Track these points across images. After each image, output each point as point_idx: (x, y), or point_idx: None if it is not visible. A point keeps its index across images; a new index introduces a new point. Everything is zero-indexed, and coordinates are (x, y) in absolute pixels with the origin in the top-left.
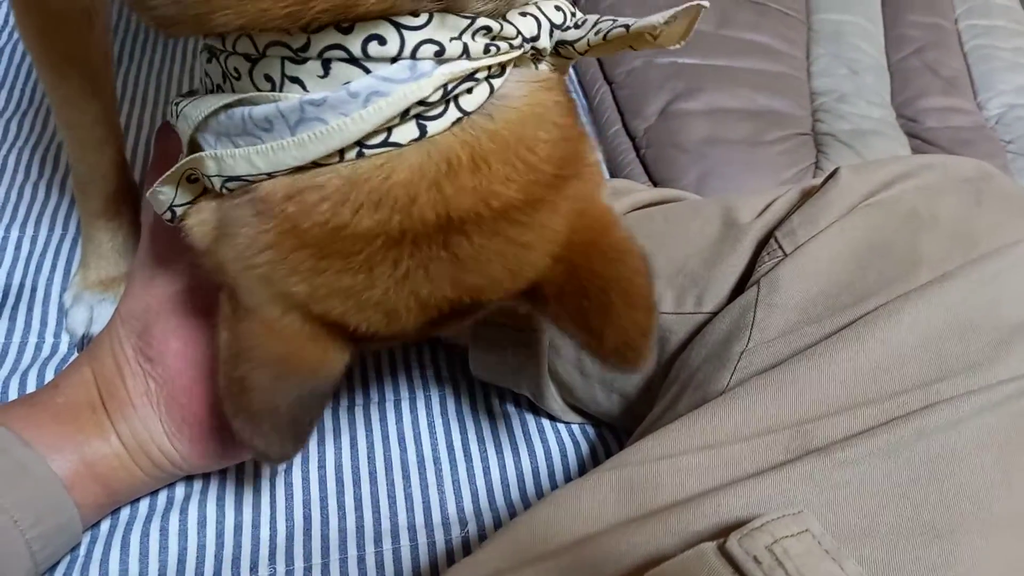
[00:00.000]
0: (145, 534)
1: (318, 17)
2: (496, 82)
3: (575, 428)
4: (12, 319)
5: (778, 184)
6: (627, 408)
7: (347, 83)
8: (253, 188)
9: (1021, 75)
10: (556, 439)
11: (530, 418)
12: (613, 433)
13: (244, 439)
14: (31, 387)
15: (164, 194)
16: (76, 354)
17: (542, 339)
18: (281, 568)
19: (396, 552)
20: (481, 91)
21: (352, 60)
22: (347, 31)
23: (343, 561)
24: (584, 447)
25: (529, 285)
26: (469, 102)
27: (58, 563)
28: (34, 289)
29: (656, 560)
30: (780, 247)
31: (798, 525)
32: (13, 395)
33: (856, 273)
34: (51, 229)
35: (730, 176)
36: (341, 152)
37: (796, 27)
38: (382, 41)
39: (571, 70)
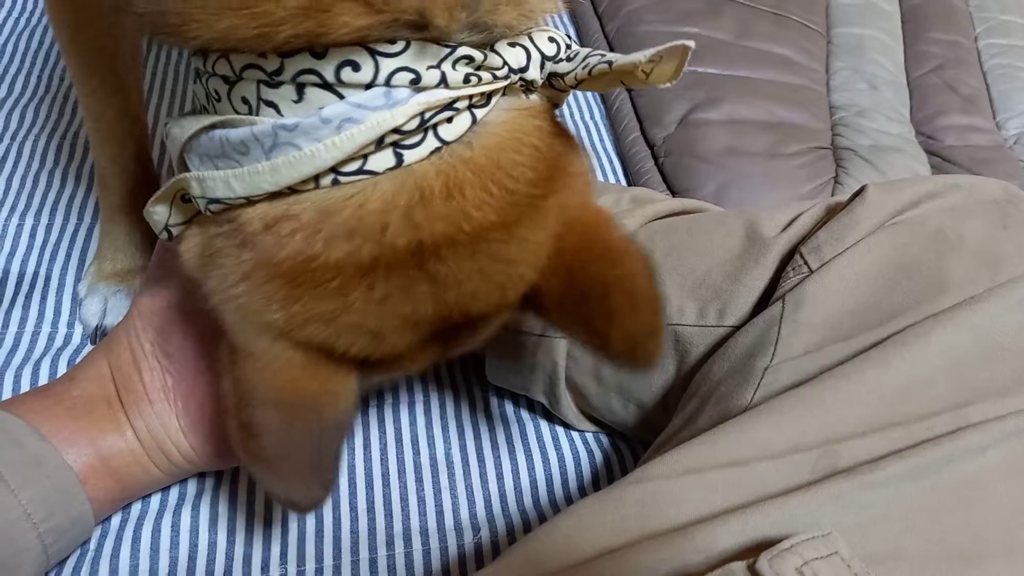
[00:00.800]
0: (156, 530)
1: (289, 41)
2: (479, 112)
3: (589, 436)
4: (26, 308)
5: (797, 197)
6: (643, 418)
7: (321, 108)
8: (235, 216)
9: None
10: (570, 447)
11: (544, 425)
12: (627, 443)
13: (267, 488)
14: (44, 377)
15: (158, 214)
16: (89, 345)
17: (560, 346)
18: (292, 568)
19: (408, 556)
20: (462, 121)
21: (325, 85)
22: (320, 56)
23: (355, 564)
24: (598, 456)
25: (522, 297)
26: (449, 131)
27: (67, 557)
28: (48, 278)
29: None
30: (805, 263)
31: (827, 547)
32: (25, 384)
33: (883, 292)
34: (66, 218)
35: (749, 188)
36: (316, 179)
37: (816, 40)
38: (356, 67)
39: None
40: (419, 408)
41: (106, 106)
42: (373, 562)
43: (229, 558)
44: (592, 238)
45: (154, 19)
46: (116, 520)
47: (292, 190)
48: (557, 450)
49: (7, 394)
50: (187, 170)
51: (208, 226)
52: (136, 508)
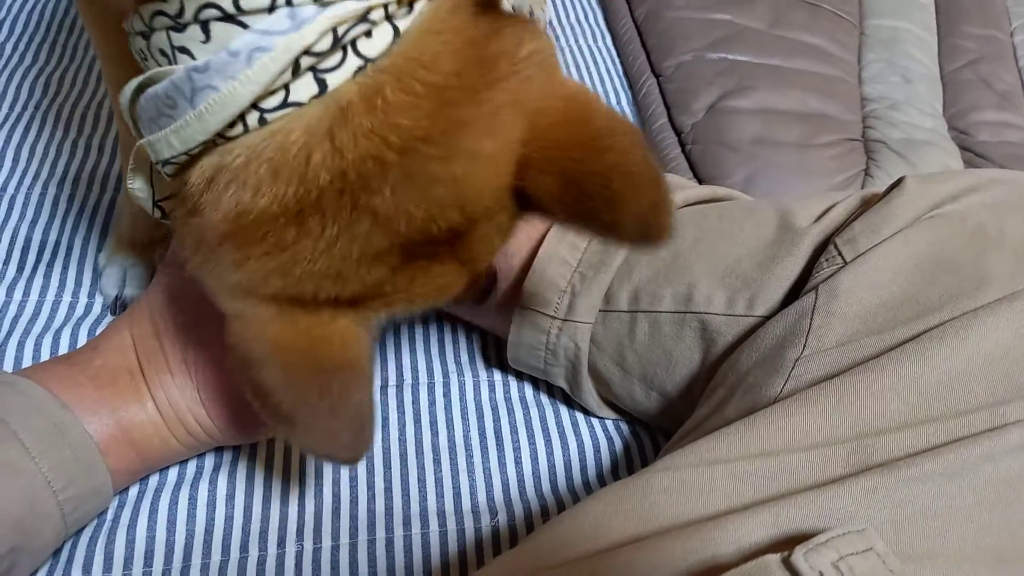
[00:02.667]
0: (174, 502)
1: None
2: (402, 23)
3: (609, 424)
4: (47, 276)
5: (827, 190)
6: (666, 407)
7: (229, 43)
8: (185, 179)
9: None
10: (590, 433)
11: (564, 410)
12: (647, 431)
13: (300, 447)
14: (64, 346)
15: (140, 190)
16: (108, 316)
17: (583, 332)
18: (308, 545)
19: (425, 537)
20: (382, 34)
21: (227, 17)
22: None
23: (371, 543)
24: (618, 443)
25: (497, 205)
26: (369, 47)
27: (84, 527)
28: (70, 248)
29: (712, 568)
30: (840, 254)
31: (863, 543)
32: (45, 353)
33: (920, 286)
34: (89, 188)
35: (779, 179)
36: (243, 120)
37: (849, 31)
38: None
39: (618, 62)
40: (438, 390)
41: (127, 72)
42: (389, 542)
43: (246, 533)
44: (575, 129)
45: None
46: (134, 491)
47: (224, 138)
48: (576, 436)
49: (28, 362)
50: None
51: (176, 199)
52: (154, 480)
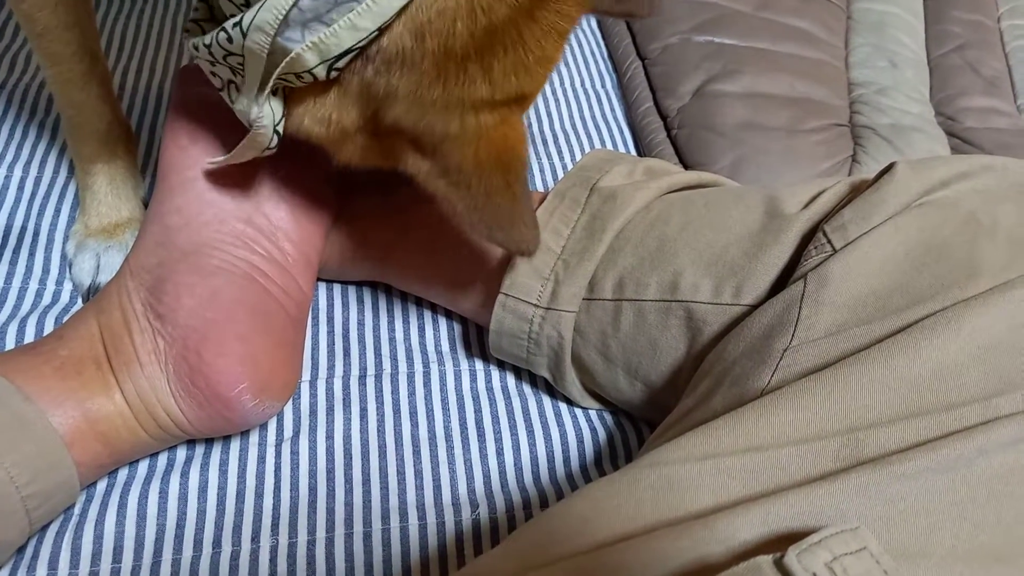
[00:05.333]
0: (143, 496)
1: None
2: None
3: (592, 414)
4: (12, 263)
5: (814, 175)
6: (650, 397)
7: None
8: (373, 56)
9: None
10: (573, 424)
11: (547, 400)
12: (631, 421)
13: (511, 247)
14: (29, 335)
15: (265, 116)
16: (80, 304)
17: (567, 320)
18: (284, 539)
19: (404, 531)
20: None
21: None
22: None
23: (348, 536)
24: (601, 434)
25: None
26: None
27: (51, 522)
28: (36, 233)
29: (703, 569)
30: (829, 241)
31: (857, 542)
32: (10, 342)
33: (910, 275)
34: (56, 171)
35: (766, 164)
36: None
37: (836, 14)
38: None
39: (603, 45)
40: (418, 380)
41: (62, 44)
42: (367, 536)
43: (219, 527)
44: None
45: None
46: (102, 485)
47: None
48: (559, 427)
49: None
50: (278, 60)
51: (334, 88)
52: (123, 473)
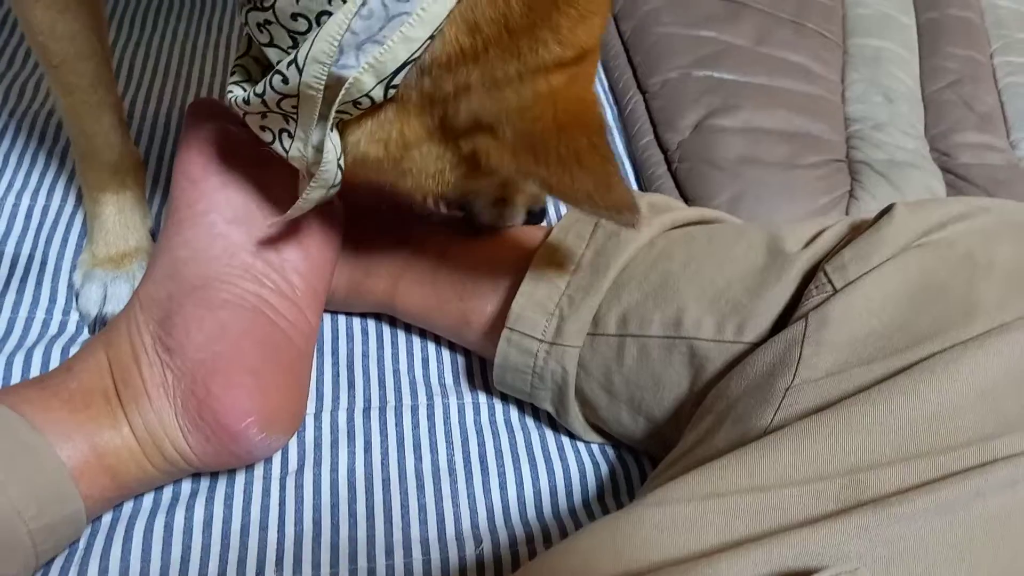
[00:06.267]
0: (148, 530)
1: None
2: None
3: (595, 448)
4: (20, 292)
5: (812, 210)
6: (653, 432)
7: None
8: (428, 65)
9: None
10: (576, 458)
11: (550, 434)
12: (634, 456)
13: (617, 218)
14: (36, 365)
15: (327, 152)
16: (87, 334)
17: (570, 355)
18: (288, 575)
19: (408, 566)
20: None
21: None
22: None
23: (353, 572)
24: (604, 468)
25: None
26: None
27: (55, 556)
28: (44, 262)
29: None
30: (830, 281)
31: None
32: (17, 372)
33: (909, 315)
34: (64, 200)
35: (765, 199)
36: None
37: (832, 49)
38: None
39: (603, 78)
40: (422, 412)
41: (77, 76)
42: (372, 571)
43: (224, 561)
44: None
45: None
46: (107, 519)
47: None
48: (562, 460)
49: None
50: (334, 94)
51: (392, 107)
52: (128, 507)
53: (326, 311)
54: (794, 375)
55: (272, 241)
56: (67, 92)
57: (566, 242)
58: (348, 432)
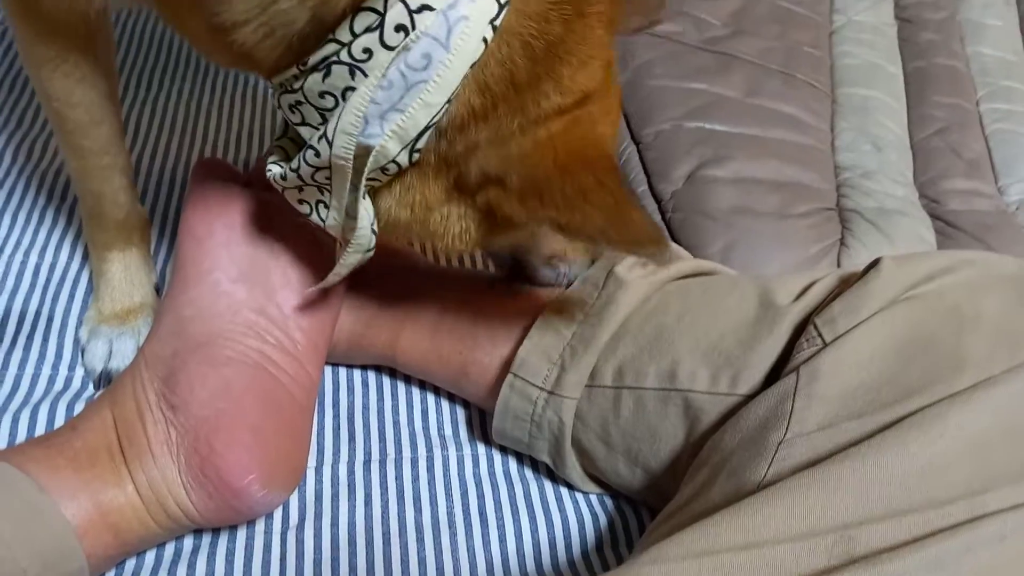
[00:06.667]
0: None
1: None
2: None
3: (593, 498)
4: (27, 349)
5: (804, 259)
6: (651, 483)
7: None
8: (444, 127)
9: None
10: (574, 508)
11: (548, 485)
12: (632, 506)
13: (641, 252)
14: (41, 422)
15: (361, 218)
16: (92, 389)
17: (567, 406)
18: None
19: None
20: None
21: None
22: None
23: None
24: (602, 519)
25: None
26: None
27: None
28: (50, 318)
29: None
30: (820, 335)
31: None
32: (23, 429)
33: (898, 368)
34: (71, 257)
35: (757, 248)
36: (484, 39)
37: (822, 99)
38: None
39: None
40: (422, 465)
41: (90, 140)
42: None
43: None
44: None
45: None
46: None
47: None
48: (561, 512)
49: (3, 439)
50: (363, 163)
51: (413, 172)
52: (131, 564)
53: (327, 363)
54: (786, 429)
55: (276, 298)
56: (79, 156)
57: (581, 291)
58: (349, 485)
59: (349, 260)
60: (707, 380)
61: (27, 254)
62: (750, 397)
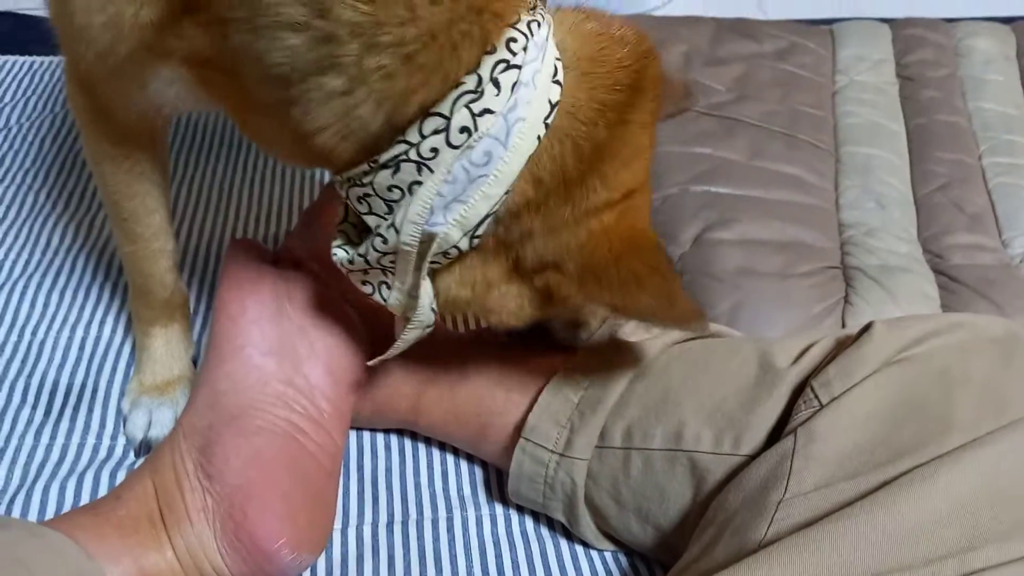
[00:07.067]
0: None
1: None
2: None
3: (608, 556)
4: (73, 419)
5: (808, 318)
6: (662, 540)
7: (515, 82)
8: (501, 214)
9: None
10: (590, 567)
11: (564, 544)
12: (645, 562)
13: (685, 328)
14: (86, 490)
15: (423, 297)
16: (133, 457)
17: (579, 467)
18: None
19: None
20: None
21: (509, 66)
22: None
23: None
24: None
25: None
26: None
27: None
28: (95, 390)
29: None
30: (816, 397)
31: None
32: (69, 497)
33: (891, 430)
34: (114, 330)
35: (762, 309)
36: (538, 136)
37: (825, 159)
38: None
39: None
40: (442, 525)
41: (143, 227)
42: None
43: None
44: None
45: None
46: None
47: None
48: (576, 570)
49: (53, 506)
50: (426, 249)
51: (476, 255)
52: None
53: (352, 428)
54: (785, 489)
55: (303, 369)
56: (131, 241)
57: (588, 359)
58: (373, 547)
59: (409, 336)
60: (711, 441)
61: (73, 329)
62: (752, 457)
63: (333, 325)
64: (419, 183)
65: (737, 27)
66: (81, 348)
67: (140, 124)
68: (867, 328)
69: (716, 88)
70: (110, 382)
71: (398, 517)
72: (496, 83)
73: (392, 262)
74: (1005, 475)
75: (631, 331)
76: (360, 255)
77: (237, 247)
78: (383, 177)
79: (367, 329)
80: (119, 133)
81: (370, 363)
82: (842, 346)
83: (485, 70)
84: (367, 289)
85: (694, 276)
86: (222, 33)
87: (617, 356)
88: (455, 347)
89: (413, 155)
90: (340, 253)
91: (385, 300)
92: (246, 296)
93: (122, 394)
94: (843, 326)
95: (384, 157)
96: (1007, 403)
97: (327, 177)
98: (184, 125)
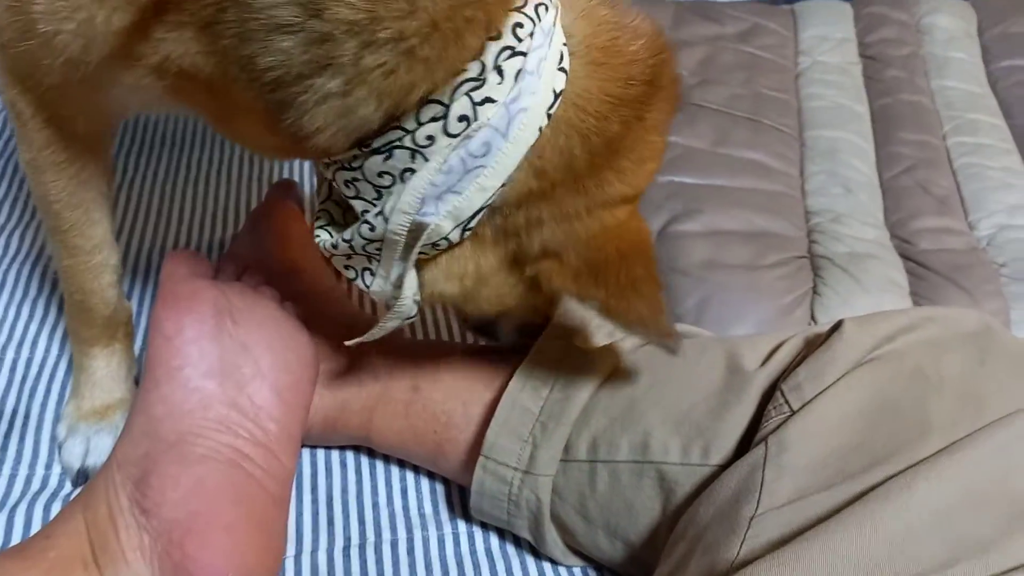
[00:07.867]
0: None
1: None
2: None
3: (576, 572)
4: (3, 448)
5: (777, 309)
6: (631, 556)
7: (519, 70)
8: (499, 205)
9: (1011, 194)
10: None
11: (531, 561)
12: None
13: (661, 342)
14: (18, 524)
15: (407, 288)
16: (69, 487)
17: (543, 483)
18: None
19: None
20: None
21: (515, 52)
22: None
23: None
24: None
25: None
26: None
27: None
28: (27, 416)
29: None
30: (787, 402)
31: None
32: (0, 533)
33: (865, 434)
34: (47, 351)
35: (730, 302)
36: (540, 128)
37: (790, 144)
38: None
39: None
40: (402, 547)
41: (85, 239)
42: None
43: None
44: None
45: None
46: None
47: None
48: None
49: None
50: (415, 238)
51: (471, 244)
52: None
53: (304, 446)
54: (757, 503)
55: (247, 390)
56: (71, 254)
57: (541, 364)
58: (328, 574)
59: (389, 325)
60: (679, 451)
61: (4, 350)
62: (723, 467)
63: (279, 341)
64: (412, 171)
65: (698, 9)
66: (12, 370)
67: (91, 130)
68: (837, 327)
69: (679, 73)
70: (43, 406)
71: (355, 540)
72: (500, 71)
73: (378, 249)
74: (984, 480)
75: (593, 334)
76: (345, 240)
77: (173, 260)
78: (374, 162)
79: (323, 338)
80: (67, 139)
81: (347, 343)
82: (812, 346)
83: (489, 57)
84: (350, 274)
85: (659, 271)
86: (200, 36)
87: (578, 361)
88: (410, 357)
89: (408, 142)
90: (323, 235)
91: (368, 287)
92: (183, 314)
93: (57, 419)
94: (811, 317)
95: (377, 142)
96: (984, 403)
97: (276, 176)
98: (121, 125)
